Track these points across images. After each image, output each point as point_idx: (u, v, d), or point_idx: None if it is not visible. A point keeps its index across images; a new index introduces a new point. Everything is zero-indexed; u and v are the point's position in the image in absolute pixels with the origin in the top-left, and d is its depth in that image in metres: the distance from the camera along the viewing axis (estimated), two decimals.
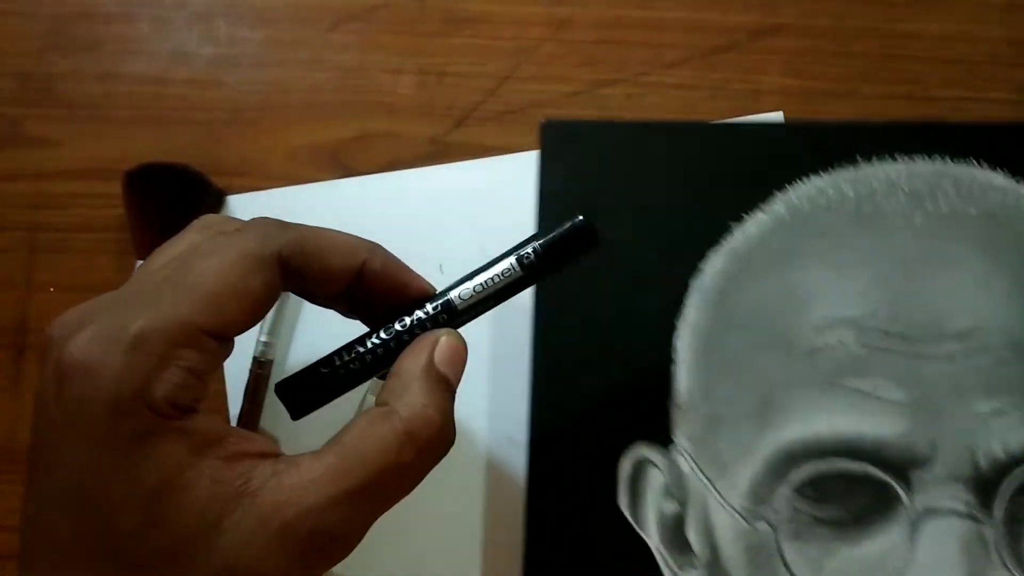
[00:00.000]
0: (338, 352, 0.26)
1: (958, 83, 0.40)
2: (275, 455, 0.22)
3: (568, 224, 0.26)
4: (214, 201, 0.38)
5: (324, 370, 0.26)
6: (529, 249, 0.26)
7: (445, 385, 0.24)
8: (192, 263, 0.22)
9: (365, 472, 0.21)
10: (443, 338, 0.25)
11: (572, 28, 0.40)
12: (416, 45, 0.39)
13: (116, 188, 0.37)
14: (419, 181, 0.38)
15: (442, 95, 0.39)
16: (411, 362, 0.24)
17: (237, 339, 0.24)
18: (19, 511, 0.35)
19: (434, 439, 0.23)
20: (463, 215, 0.38)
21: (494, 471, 0.36)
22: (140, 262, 0.36)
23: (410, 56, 0.39)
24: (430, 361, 0.24)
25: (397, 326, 0.26)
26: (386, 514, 0.23)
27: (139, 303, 0.21)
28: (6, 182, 0.38)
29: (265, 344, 0.36)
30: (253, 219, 0.25)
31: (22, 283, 0.38)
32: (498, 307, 0.29)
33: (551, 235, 0.26)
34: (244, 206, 0.38)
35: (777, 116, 0.39)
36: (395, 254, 0.27)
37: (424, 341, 0.25)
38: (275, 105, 0.39)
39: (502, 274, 0.26)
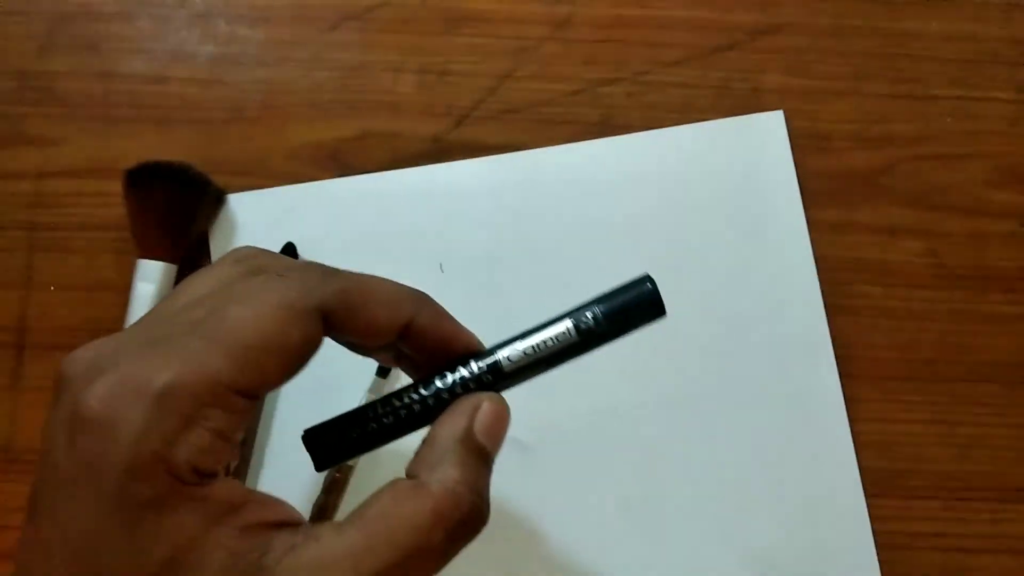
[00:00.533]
0: (372, 405, 0.24)
1: (959, 82, 0.40)
2: (294, 523, 0.20)
3: (635, 292, 0.24)
4: (214, 200, 0.38)
5: (355, 423, 0.24)
6: (589, 314, 0.24)
7: (483, 457, 0.22)
8: (226, 310, 0.20)
9: (390, 554, 0.20)
10: (485, 403, 0.23)
11: (572, 27, 0.40)
12: (417, 44, 0.39)
13: (116, 187, 0.37)
14: (422, 179, 0.38)
15: (443, 94, 0.39)
16: (447, 429, 0.22)
17: None
18: (16, 510, 0.35)
19: (467, 520, 0.21)
20: (466, 214, 0.38)
21: (495, 472, 0.36)
22: (141, 260, 0.36)
23: (411, 55, 0.39)
24: (468, 429, 0.22)
25: (438, 383, 0.24)
26: None
27: (165, 350, 0.19)
28: (6, 181, 0.38)
29: None
30: (297, 263, 0.23)
31: (22, 282, 0.38)
32: (495, 307, 0.27)
33: (615, 301, 0.24)
34: (245, 204, 0.38)
35: (777, 115, 0.39)
36: (396, 251, 0.27)
37: (463, 405, 0.23)
38: (276, 104, 0.39)
39: (556, 338, 0.24)
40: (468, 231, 0.38)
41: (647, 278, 0.24)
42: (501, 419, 0.23)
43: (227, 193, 0.38)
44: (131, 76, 0.39)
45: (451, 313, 0.26)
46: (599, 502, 0.35)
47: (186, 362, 0.19)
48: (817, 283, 0.37)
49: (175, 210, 0.36)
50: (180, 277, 0.37)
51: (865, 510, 0.35)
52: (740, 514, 0.35)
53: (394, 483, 0.21)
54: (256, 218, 0.38)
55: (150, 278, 0.36)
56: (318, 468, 0.24)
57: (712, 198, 0.38)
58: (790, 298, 0.37)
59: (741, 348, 0.37)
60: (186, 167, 0.37)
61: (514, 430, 0.35)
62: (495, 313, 0.36)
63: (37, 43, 0.39)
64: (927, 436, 0.37)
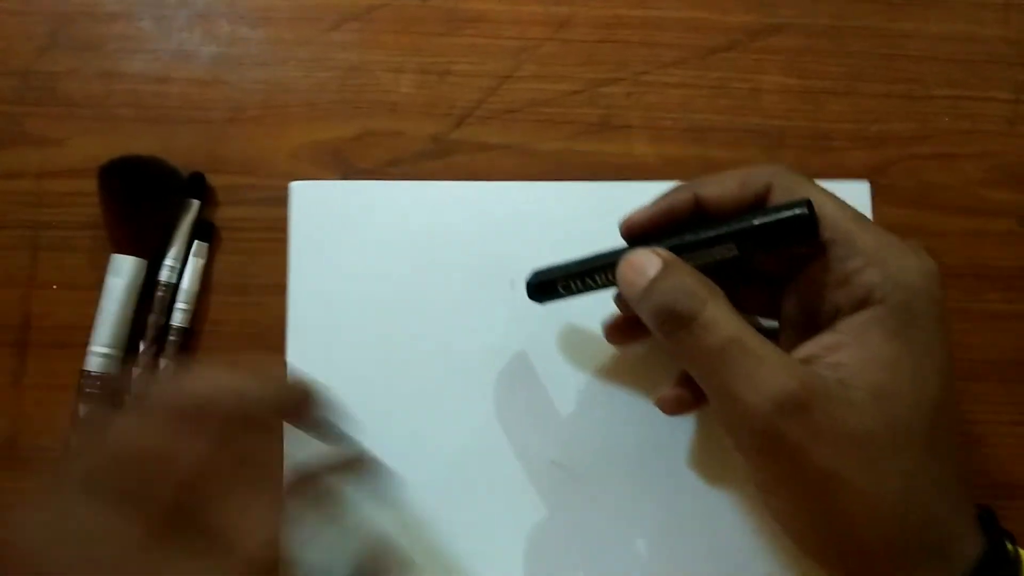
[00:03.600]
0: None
1: (957, 82, 0.40)
2: None
3: (788, 213, 0.26)
4: (182, 194, 0.38)
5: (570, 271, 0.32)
6: (746, 236, 0.27)
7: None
8: None
9: None
10: None
11: (572, 27, 0.40)
12: (417, 44, 0.39)
13: None
14: (501, 194, 0.37)
15: (443, 94, 0.39)
16: None
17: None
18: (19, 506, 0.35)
19: None
20: (542, 235, 0.36)
21: (537, 496, 0.35)
22: (115, 255, 0.36)
23: (411, 55, 0.39)
24: None
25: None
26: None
27: None
28: (8, 180, 0.38)
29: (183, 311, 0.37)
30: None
31: (25, 281, 0.38)
32: (544, 328, 0.35)
33: (769, 218, 0.26)
34: (316, 194, 0.37)
35: (862, 185, 0.37)
36: (467, 262, 0.33)
37: None
38: (277, 104, 0.39)
39: (715, 254, 0.27)
40: (541, 251, 0.34)
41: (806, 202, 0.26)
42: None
43: (194, 190, 0.38)
44: (132, 76, 0.39)
45: (518, 327, 0.34)
46: (647, 524, 0.35)
47: None
48: None
49: (145, 204, 0.37)
50: (151, 271, 0.37)
51: None
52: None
53: None
54: (325, 210, 0.37)
55: (121, 273, 0.36)
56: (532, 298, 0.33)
57: None
58: None
59: None
60: (157, 161, 0.37)
61: (559, 455, 0.35)
62: (560, 332, 0.36)
63: (38, 43, 0.40)
64: None
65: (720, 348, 0.24)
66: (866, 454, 0.24)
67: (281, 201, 0.38)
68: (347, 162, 0.39)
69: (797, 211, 0.26)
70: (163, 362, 0.36)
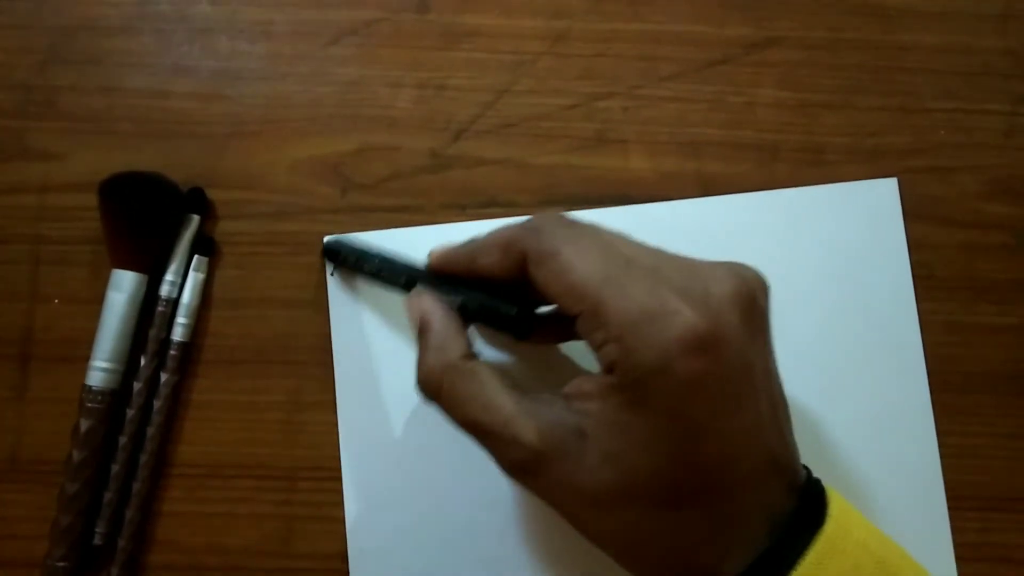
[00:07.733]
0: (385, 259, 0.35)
1: (953, 95, 0.40)
2: None
3: (504, 310, 0.30)
4: (182, 209, 0.38)
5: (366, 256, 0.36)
6: (468, 305, 0.31)
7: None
8: None
9: None
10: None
11: (569, 42, 0.40)
12: (415, 59, 0.40)
13: None
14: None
15: (441, 108, 0.39)
16: None
17: None
18: (21, 519, 0.35)
19: None
20: None
21: None
22: (115, 270, 0.37)
23: (409, 70, 0.40)
24: None
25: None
26: None
27: None
28: (10, 195, 0.39)
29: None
30: None
31: (27, 295, 0.38)
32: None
33: (488, 305, 0.31)
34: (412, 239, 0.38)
35: (891, 183, 0.39)
36: None
37: None
38: (277, 118, 0.39)
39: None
40: None
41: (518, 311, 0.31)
42: None
43: (196, 206, 0.38)
44: (133, 91, 0.40)
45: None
46: None
47: None
48: (924, 376, 0.37)
49: (145, 220, 0.37)
50: (151, 286, 0.37)
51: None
52: None
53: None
54: None
55: (122, 287, 0.36)
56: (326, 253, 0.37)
57: (818, 262, 0.38)
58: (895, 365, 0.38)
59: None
60: (156, 176, 0.37)
61: None
62: None
63: (39, 57, 0.40)
64: None
65: (461, 425, 0.28)
66: (594, 507, 0.26)
67: (281, 215, 0.39)
68: (346, 177, 0.39)
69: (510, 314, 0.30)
70: (164, 376, 0.37)
